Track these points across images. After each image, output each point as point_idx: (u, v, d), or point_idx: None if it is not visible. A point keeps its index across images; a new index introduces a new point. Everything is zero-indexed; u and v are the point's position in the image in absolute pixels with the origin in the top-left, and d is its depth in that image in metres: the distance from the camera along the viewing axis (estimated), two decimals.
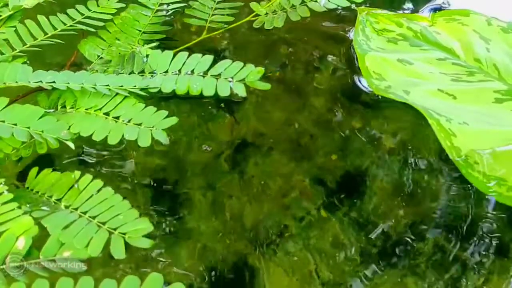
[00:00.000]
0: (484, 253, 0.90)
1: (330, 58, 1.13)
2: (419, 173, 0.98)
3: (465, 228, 0.92)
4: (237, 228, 0.94)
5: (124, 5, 1.02)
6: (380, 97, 1.03)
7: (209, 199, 0.97)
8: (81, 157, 1.01)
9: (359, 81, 1.07)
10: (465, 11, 1.11)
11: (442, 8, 1.15)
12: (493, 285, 0.87)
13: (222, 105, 1.06)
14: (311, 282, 0.89)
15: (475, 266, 0.89)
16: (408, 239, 0.92)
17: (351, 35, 1.14)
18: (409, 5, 1.18)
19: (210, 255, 0.91)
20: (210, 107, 1.06)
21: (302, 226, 0.93)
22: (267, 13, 1.02)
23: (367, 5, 1.16)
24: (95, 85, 0.83)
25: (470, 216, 0.93)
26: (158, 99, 0.98)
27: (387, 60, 1.06)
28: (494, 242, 0.91)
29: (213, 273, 0.90)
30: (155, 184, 0.99)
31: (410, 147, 1.01)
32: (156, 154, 1.01)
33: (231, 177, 0.99)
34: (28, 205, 0.75)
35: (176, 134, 1.02)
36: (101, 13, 1.00)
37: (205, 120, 1.05)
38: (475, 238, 0.91)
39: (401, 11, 1.17)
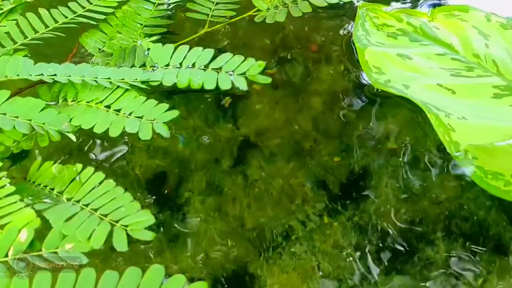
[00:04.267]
0: (483, 252, 0.90)
1: (330, 53, 1.13)
2: (420, 171, 0.99)
3: (467, 227, 0.93)
4: (239, 230, 0.94)
5: None
6: (379, 91, 1.03)
7: (211, 202, 0.97)
8: None
9: (361, 76, 1.08)
10: (464, 6, 1.11)
11: (442, 3, 1.16)
12: (492, 286, 0.87)
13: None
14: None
15: (474, 266, 0.89)
16: (412, 241, 0.92)
17: (351, 29, 1.14)
18: (409, 1, 1.18)
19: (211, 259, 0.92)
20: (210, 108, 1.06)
21: (306, 230, 0.94)
22: (268, 8, 1.02)
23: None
24: (96, 78, 0.83)
25: (473, 216, 0.94)
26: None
27: (387, 55, 1.06)
28: (494, 241, 0.91)
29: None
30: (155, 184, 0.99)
31: (410, 143, 1.01)
32: (156, 154, 1.02)
33: (233, 179, 0.99)
34: (30, 198, 0.75)
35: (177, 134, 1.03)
36: (103, 6, 1.00)
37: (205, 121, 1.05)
38: (475, 237, 0.92)
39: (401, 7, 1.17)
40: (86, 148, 1.01)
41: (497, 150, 0.92)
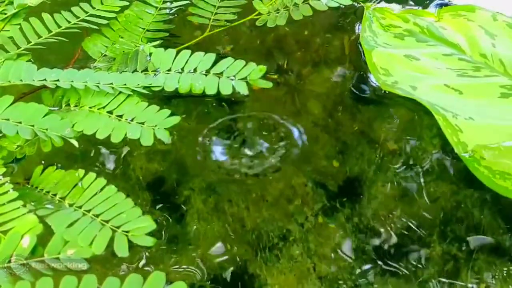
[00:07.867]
0: (487, 257, 0.90)
1: (336, 55, 1.13)
2: (419, 172, 0.98)
3: (468, 231, 0.92)
4: (238, 231, 0.94)
5: (127, 3, 1.02)
6: (387, 92, 1.03)
7: (210, 203, 0.97)
8: None
9: (367, 77, 1.07)
10: (470, 6, 1.11)
11: (448, 3, 1.15)
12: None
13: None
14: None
15: (477, 271, 0.88)
16: (411, 245, 0.92)
17: (358, 30, 1.14)
18: (415, 1, 1.18)
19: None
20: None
21: (303, 231, 0.93)
22: (269, 12, 1.01)
23: (372, 1, 1.16)
24: (99, 83, 0.83)
25: (473, 220, 0.93)
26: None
27: (394, 56, 1.06)
28: (498, 246, 0.91)
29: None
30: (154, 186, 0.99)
31: (412, 144, 1.01)
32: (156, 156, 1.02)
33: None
34: (32, 203, 0.75)
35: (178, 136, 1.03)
36: (105, 11, 0.99)
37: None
38: (478, 242, 0.91)
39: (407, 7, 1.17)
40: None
41: (504, 150, 0.92)
